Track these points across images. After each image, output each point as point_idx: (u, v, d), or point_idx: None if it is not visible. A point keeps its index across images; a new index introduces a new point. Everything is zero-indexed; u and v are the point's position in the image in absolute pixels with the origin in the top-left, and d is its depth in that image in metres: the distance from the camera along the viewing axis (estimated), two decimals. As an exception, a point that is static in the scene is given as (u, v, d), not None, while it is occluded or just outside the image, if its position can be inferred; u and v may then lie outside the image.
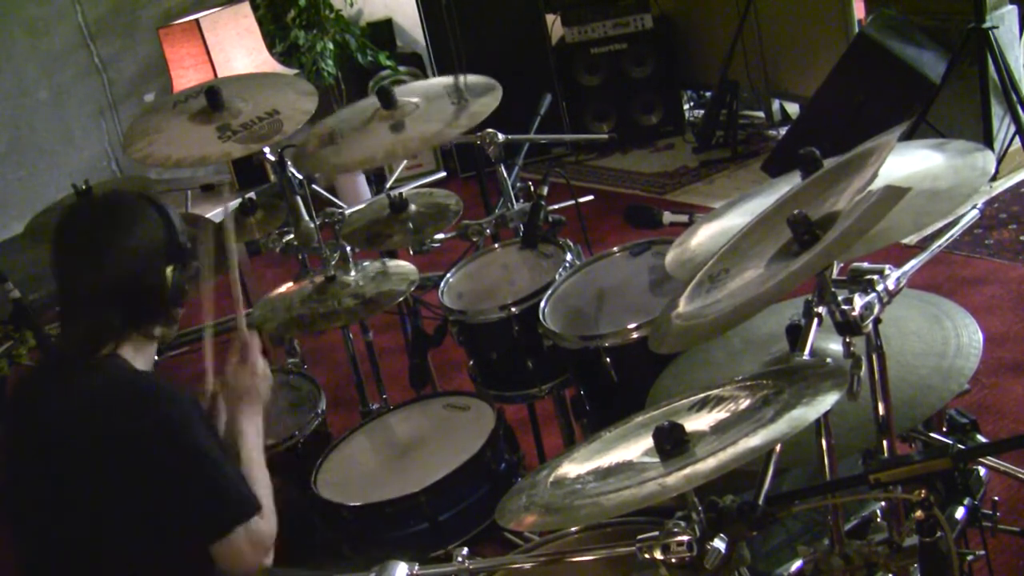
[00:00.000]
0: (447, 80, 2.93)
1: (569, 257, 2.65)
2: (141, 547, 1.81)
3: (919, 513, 1.34)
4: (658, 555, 1.34)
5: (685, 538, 1.33)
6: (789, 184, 1.83)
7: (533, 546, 1.97)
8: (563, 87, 6.12)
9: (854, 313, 1.42)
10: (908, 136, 4.02)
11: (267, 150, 2.72)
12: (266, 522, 1.86)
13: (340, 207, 3.03)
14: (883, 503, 1.68)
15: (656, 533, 1.35)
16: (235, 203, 2.99)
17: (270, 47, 5.73)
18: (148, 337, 1.90)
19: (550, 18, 6.14)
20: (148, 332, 1.90)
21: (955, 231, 1.77)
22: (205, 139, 2.69)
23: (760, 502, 1.34)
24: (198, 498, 1.80)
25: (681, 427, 1.41)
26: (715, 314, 1.51)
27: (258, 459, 1.98)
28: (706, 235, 2.00)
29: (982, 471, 1.84)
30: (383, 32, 6.43)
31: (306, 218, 2.84)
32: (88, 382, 1.83)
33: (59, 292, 1.89)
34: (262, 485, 1.93)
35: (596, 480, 1.45)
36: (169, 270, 1.88)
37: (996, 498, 1.83)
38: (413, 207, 3.01)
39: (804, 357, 1.50)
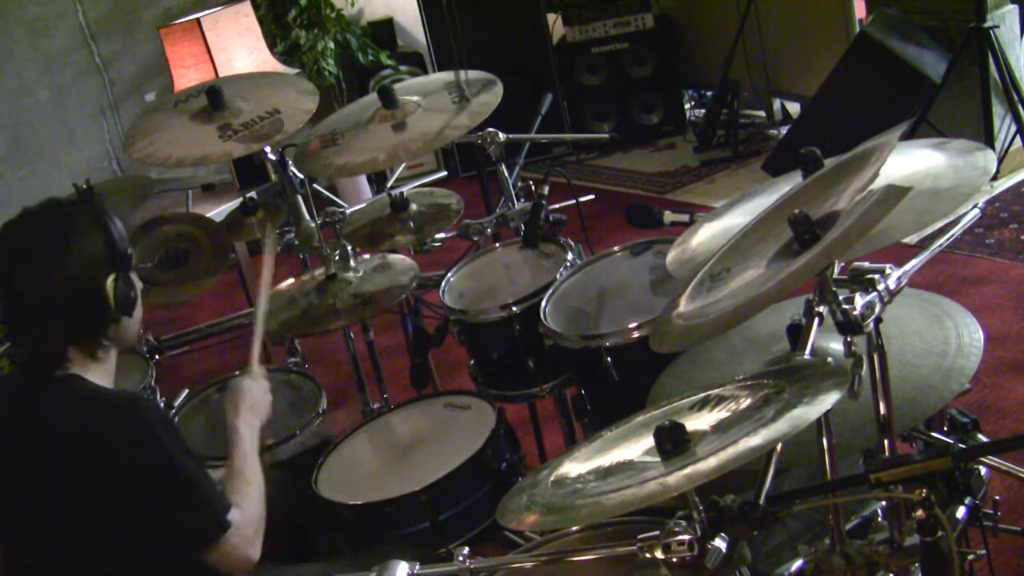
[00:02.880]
0: (446, 76, 2.94)
1: (570, 256, 2.65)
2: (126, 562, 1.81)
3: (920, 512, 1.34)
4: (659, 554, 1.34)
5: (686, 537, 1.33)
6: (790, 183, 1.83)
7: (534, 545, 1.97)
8: (564, 86, 6.12)
9: (855, 312, 1.42)
10: (909, 135, 4.02)
11: (268, 149, 2.72)
12: (248, 518, 1.85)
13: (341, 206, 3.03)
14: (884, 503, 1.68)
15: (657, 532, 1.36)
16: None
17: (271, 46, 5.73)
18: (91, 355, 1.84)
19: (551, 17, 6.14)
20: (92, 348, 1.84)
21: (956, 230, 1.77)
22: (206, 138, 2.69)
23: (761, 501, 1.34)
24: (175, 515, 1.79)
25: (682, 426, 1.41)
26: (716, 313, 1.51)
27: (252, 457, 1.98)
28: (707, 234, 2.00)
29: (983, 470, 1.83)
30: (384, 31, 6.44)
31: (307, 217, 2.84)
32: (50, 404, 1.80)
33: (2, 308, 1.85)
34: (253, 482, 1.94)
35: (597, 479, 1.45)
36: (110, 280, 1.82)
37: (997, 497, 1.83)
38: (414, 206, 3.01)
39: (805, 356, 1.50)
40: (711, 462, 1.29)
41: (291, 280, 2.95)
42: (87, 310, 1.82)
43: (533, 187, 2.77)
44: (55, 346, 1.81)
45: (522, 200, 2.85)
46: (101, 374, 1.86)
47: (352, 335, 3.21)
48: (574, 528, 1.86)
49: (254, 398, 2.11)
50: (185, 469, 1.79)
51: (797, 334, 1.55)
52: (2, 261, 1.85)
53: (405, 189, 3.18)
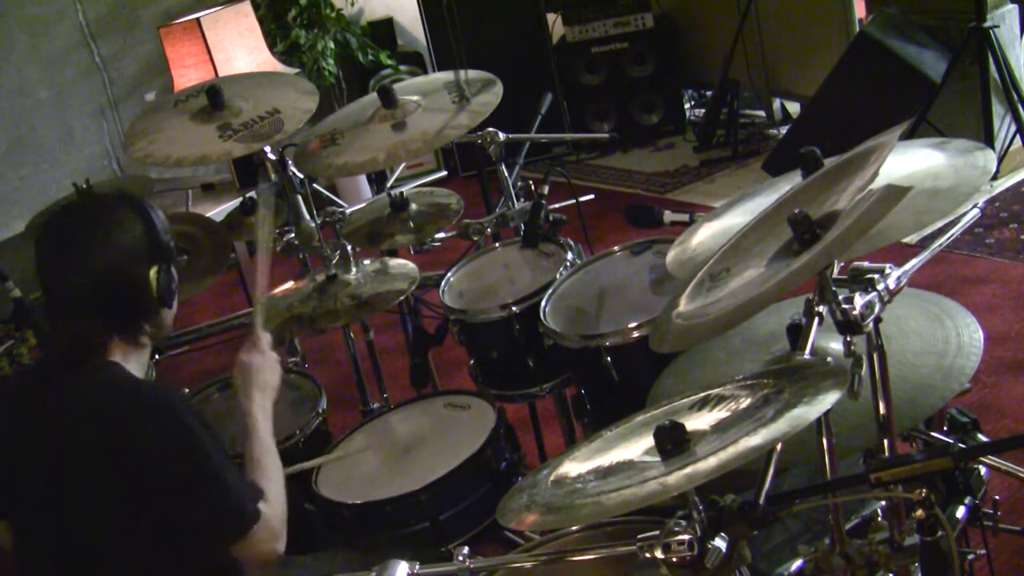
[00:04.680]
0: (446, 76, 2.94)
1: (570, 256, 2.65)
2: (151, 554, 1.80)
3: (920, 512, 1.34)
4: (659, 554, 1.34)
5: (686, 537, 1.33)
6: (790, 183, 1.83)
7: (534, 545, 1.97)
8: (564, 86, 6.12)
9: (855, 312, 1.42)
10: (909, 135, 4.02)
11: (268, 149, 2.72)
12: (274, 509, 1.85)
13: (341, 206, 3.03)
14: (884, 502, 1.68)
15: (657, 532, 1.36)
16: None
17: (271, 46, 5.73)
18: (134, 343, 1.86)
19: (551, 17, 6.14)
20: (134, 337, 1.86)
21: (956, 230, 1.77)
22: (206, 138, 2.69)
23: (761, 501, 1.34)
24: (206, 507, 1.78)
25: (682, 426, 1.41)
26: (716, 313, 1.51)
27: (270, 445, 1.98)
28: (707, 234, 2.00)
29: (983, 470, 1.83)
30: (384, 31, 6.44)
31: (307, 217, 2.84)
32: (83, 390, 1.81)
33: (44, 298, 1.87)
34: (273, 472, 1.93)
35: (597, 479, 1.45)
36: (153, 271, 1.84)
37: (997, 497, 1.83)
38: (414, 206, 3.01)
39: (805, 356, 1.50)
40: (711, 462, 1.29)
41: (291, 282, 2.94)
42: (131, 300, 1.84)
43: (533, 187, 2.77)
44: (98, 335, 1.83)
45: (522, 200, 2.85)
46: (136, 364, 1.87)
47: (352, 335, 3.21)
48: (574, 528, 1.86)
49: (265, 376, 2.09)
50: (216, 461, 1.78)
51: (797, 334, 1.55)
52: (48, 251, 1.86)
53: (405, 189, 3.18)
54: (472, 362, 2.67)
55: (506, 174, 2.88)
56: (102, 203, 1.92)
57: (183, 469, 1.76)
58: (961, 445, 1.36)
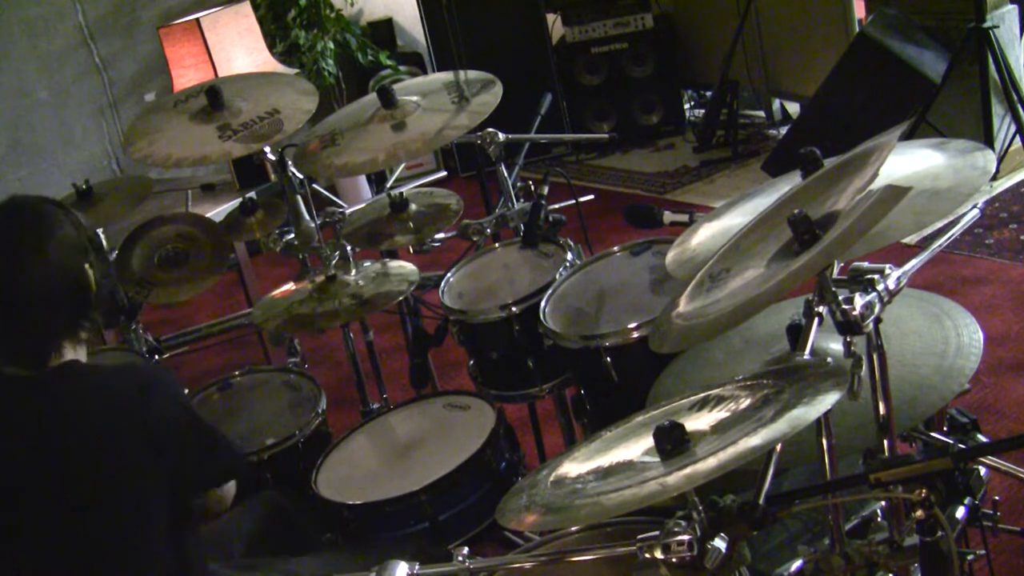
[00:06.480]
0: (446, 76, 2.94)
1: (569, 256, 2.65)
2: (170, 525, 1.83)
3: (919, 513, 1.34)
4: (659, 555, 1.34)
5: (686, 538, 1.33)
6: (789, 184, 1.83)
7: (533, 546, 1.97)
8: (563, 87, 6.12)
9: (855, 313, 1.42)
10: (908, 135, 4.02)
11: (268, 149, 2.72)
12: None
13: (340, 206, 3.03)
14: (883, 503, 1.68)
15: (657, 533, 1.35)
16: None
17: (270, 47, 5.73)
18: (79, 339, 1.87)
19: (550, 17, 6.15)
20: (80, 332, 1.87)
21: (956, 231, 1.77)
22: (205, 138, 2.69)
23: (760, 501, 1.34)
24: (209, 455, 1.92)
25: (681, 427, 1.41)
26: (715, 314, 1.51)
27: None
28: (706, 235, 2.00)
29: (983, 471, 1.84)
30: (383, 31, 6.44)
31: (307, 218, 2.84)
32: (72, 393, 1.80)
33: None
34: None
35: (597, 480, 1.45)
36: (87, 265, 1.85)
37: (997, 498, 1.83)
38: (413, 206, 3.01)
39: (804, 357, 1.50)
40: (711, 462, 1.29)
41: (290, 283, 2.94)
42: (77, 297, 1.85)
43: (532, 187, 2.77)
44: (52, 338, 1.82)
45: (521, 200, 2.85)
46: (83, 356, 1.88)
47: (352, 335, 3.21)
48: (574, 528, 1.86)
49: None
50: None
51: (797, 334, 1.55)
52: None
53: (405, 189, 3.18)
54: (472, 362, 2.67)
55: (506, 174, 2.88)
56: (30, 208, 1.87)
57: (191, 427, 1.89)
58: (961, 446, 1.36)
